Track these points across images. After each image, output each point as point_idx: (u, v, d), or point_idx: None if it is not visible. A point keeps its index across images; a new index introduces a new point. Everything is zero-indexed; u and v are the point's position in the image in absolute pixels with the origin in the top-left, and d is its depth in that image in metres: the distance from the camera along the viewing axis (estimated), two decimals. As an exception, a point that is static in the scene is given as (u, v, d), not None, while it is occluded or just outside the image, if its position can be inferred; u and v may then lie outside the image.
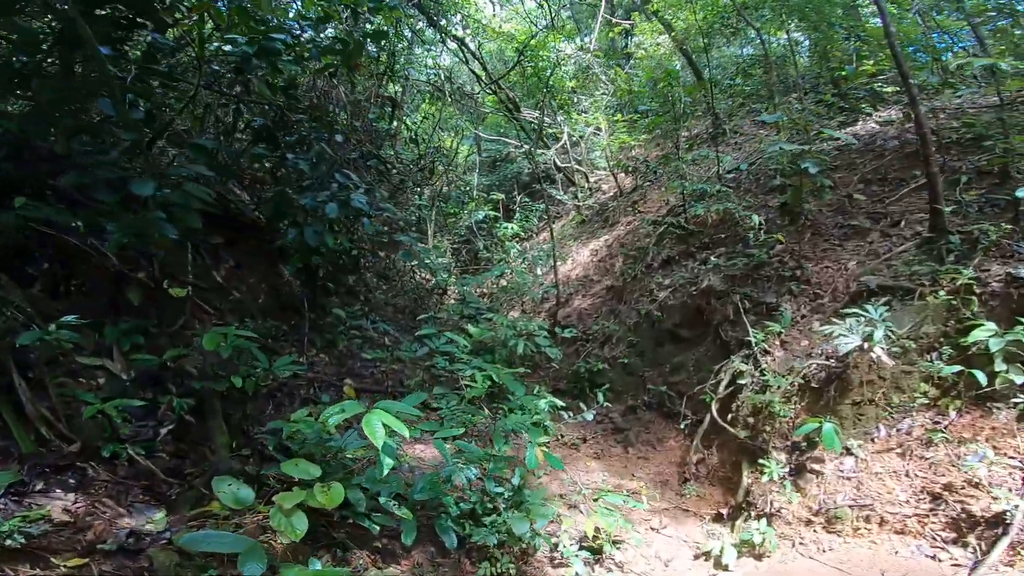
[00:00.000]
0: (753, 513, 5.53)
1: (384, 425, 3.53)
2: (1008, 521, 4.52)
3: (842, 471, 5.32)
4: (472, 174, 17.73)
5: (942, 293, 5.53)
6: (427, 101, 15.39)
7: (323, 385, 6.53)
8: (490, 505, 4.83)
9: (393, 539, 4.37)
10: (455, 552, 4.56)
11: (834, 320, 5.76)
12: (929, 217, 6.43)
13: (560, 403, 6.94)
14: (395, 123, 12.74)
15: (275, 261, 7.38)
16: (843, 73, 9.82)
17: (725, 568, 5.15)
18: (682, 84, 11.19)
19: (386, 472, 3.65)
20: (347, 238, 7.82)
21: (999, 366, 4.92)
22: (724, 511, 5.88)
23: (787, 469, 5.47)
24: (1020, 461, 4.79)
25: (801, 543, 5.25)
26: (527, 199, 16.46)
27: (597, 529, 5.07)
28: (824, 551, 5.12)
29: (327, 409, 3.65)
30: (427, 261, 11.22)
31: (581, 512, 5.77)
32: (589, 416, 7.08)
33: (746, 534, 5.19)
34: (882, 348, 5.29)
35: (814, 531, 5.27)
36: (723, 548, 5.19)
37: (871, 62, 9.37)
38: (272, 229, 7.11)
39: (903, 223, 6.79)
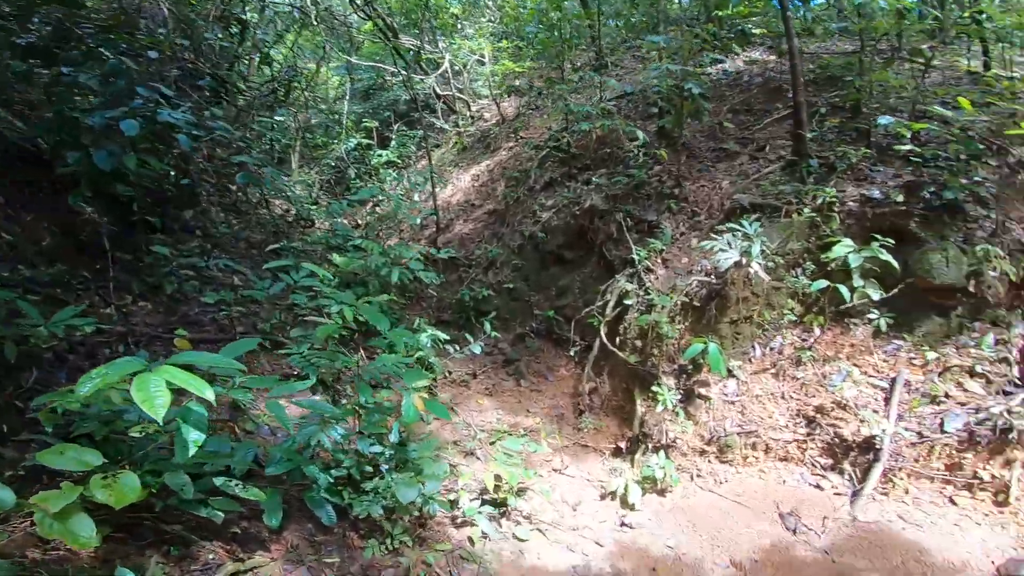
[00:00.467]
0: (651, 445, 5.44)
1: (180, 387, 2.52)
2: (878, 447, 4.72)
3: (726, 395, 5.32)
4: (343, 102, 15.89)
5: (806, 211, 5.59)
6: (294, 31, 13.35)
7: (143, 339, 5.25)
8: (369, 468, 4.17)
9: (257, 521, 3.62)
10: (337, 527, 3.92)
11: (712, 236, 5.63)
12: (792, 142, 6.54)
13: (444, 336, 6.32)
14: (246, 43, 10.82)
15: (64, 195, 5.73)
16: (720, 13, 9.82)
17: (632, 508, 5.03)
18: (568, 13, 10.65)
19: (191, 452, 2.65)
20: (167, 162, 6.33)
21: (857, 281, 5.05)
22: (622, 444, 5.76)
23: (677, 396, 5.39)
24: (880, 379, 5.03)
25: (699, 475, 5.25)
26: (404, 128, 15.13)
27: (498, 478, 4.62)
28: (721, 483, 5.15)
29: (86, 374, 2.53)
30: (284, 188, 9.78)
31: (479, 459, 5.34)
32: (477, 349, 6.56)
33: (647, 469, 5.08)
34: (759, 263, 5.25)
35: (709, 462, 5.29)
36: (627, 486, 5.05)
37: (745, 4, 9.43)
38: (56, 157, 5.50)
39: (768, 148, 6.89)
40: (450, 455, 5.32)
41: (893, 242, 4.97)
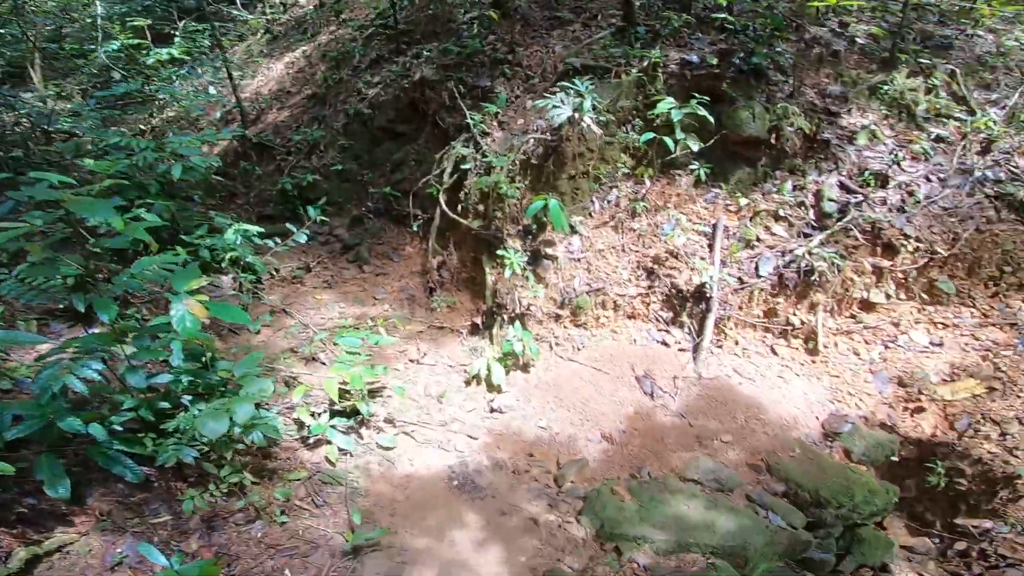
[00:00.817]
0: (506, 316, 5.18)
1: None
2: (708, 295, 4.93)
3: (572, 252, 5.18)
4: (95, 4, 12.55)
5: (634, 72, 5.55)
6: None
7: None
8: (167, 404, 3.32)
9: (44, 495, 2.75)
10: (157, 480, 3.19)
11: (546, 95, 5.33)
12: (622, 10, 6.39)
13: (256, 229, 5.31)
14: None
15: None
16: None
17: (498, 390, 4.76)
18: None
19: None
20: None
21: (679, 135, 5.13)
22: (478, 320, 5.44)
23: (525, 259, 5.13)
24: (704, 225, 5.23)
25: (557, 343, 5.11)
26: (194, 24, 12.52)
27: (344, 384, 4.00)
28: (579, 350, 5.07)
29: None
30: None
31: (324, 364, 4.67)
32: (302, 238, 5.63)
33: (507, 344, 4.81)
34: (591, 118, 5.07)
35: (564, 327, 5.17)
36: (490, 367, 4.75)
37: None
38: None
39: (600, 16, 6.73)
40: (288, 365, 4.60)
41: (709, 100, 5.10)
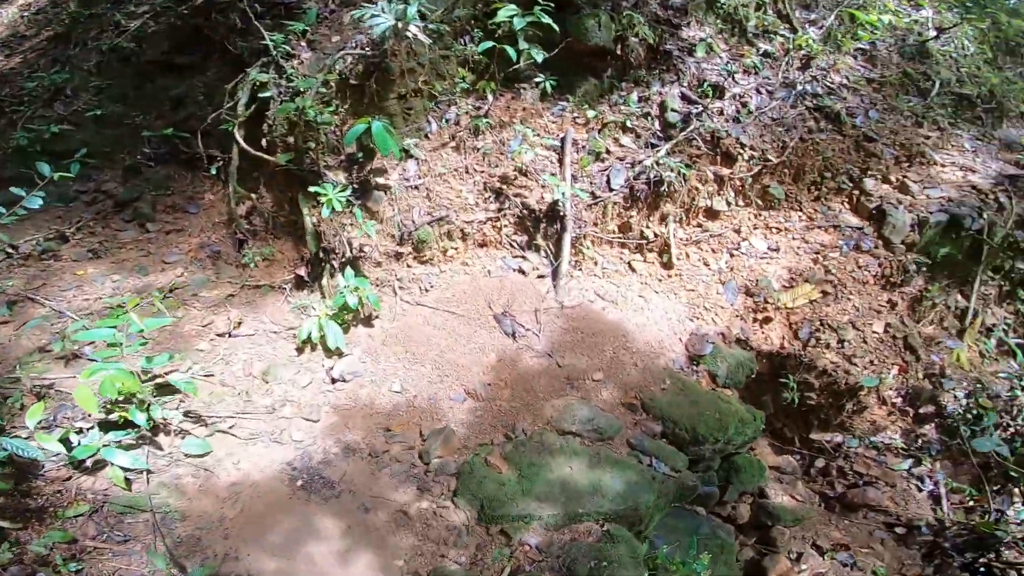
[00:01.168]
0: (336, 263, 4.24)
1: None
2: (562, 213, 4.42)
3: (408, 179, 4.36)
4: None
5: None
6: None
7: None
8: None
9: None
10: None
11: (364, 3, 4.42)
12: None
13: None
14: None
15: None
16: None
17: (339, 354, 3.85)
18: None
19: None
20: None
21: (522, 44, 4.56)
22: (303, 271, 4.43)
23: (350, 193, 4.17)
24: (552, 139, 4.72)
25: (402, 287, 4.29)
26: None
27: (112, 386, 2.91)
28: (427, 291, 4.29)
29: None
30: None
31: (93, 360, 3.42)
32: (35, 202, 3.99)
33: (339, 298, 3.90)
34: (417, 27, 4.28)
35: (408, 266, 4.36)
36: (323, 327, 3.81)
37: None
38: None
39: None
40: (41, 371, 3.40)
41: (553, 7, 4.59)
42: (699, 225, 4.89)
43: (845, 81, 5.54)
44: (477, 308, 4.18)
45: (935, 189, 5.00)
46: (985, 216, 4.79)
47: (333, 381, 3.75)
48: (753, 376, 4.35)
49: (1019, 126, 6.00)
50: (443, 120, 4.48)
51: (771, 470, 4.33)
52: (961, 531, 4.04)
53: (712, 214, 4.92)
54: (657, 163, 4.67)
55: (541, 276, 4.40)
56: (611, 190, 4.66)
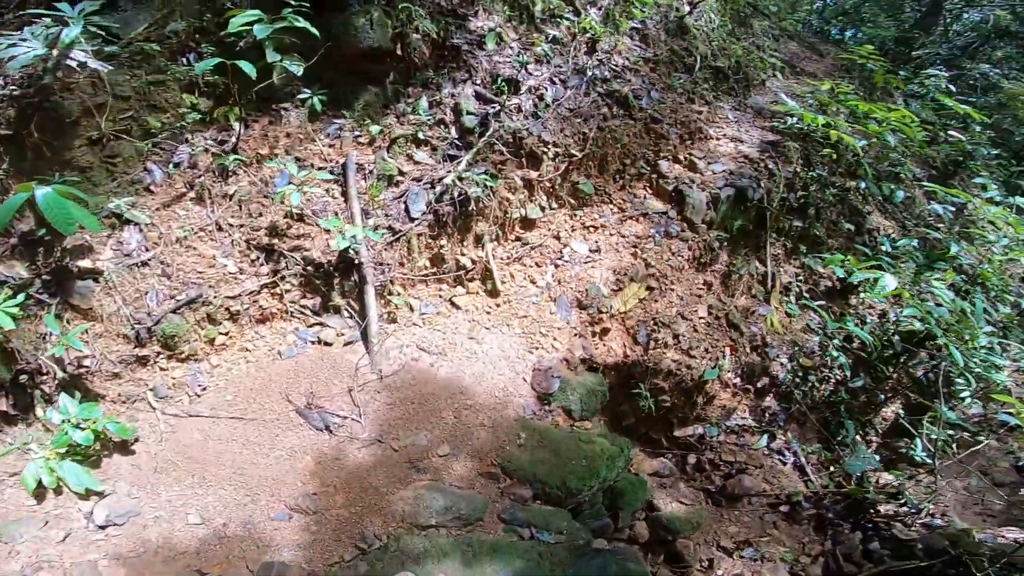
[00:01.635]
0: (45, 387, 3.05)
1: None
2: (356, 260, 3.57)
3: (129, 254, 3.15)
4: None
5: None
6: None
7: None
8: None
9: None
10: None
11: (5, 32, 3.05)
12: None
13: None
14: None
15: None
16: None
17: (99, 494, 2.87)
18: None
19: None
20: None
21: (272, 56, 3.54)
22: (2, 403, 3.05)
23: (39, 287, 2.88)
24: (330, 170, 3.78)
25: (160, 398, 3.18)
26: None
27: None
28: (199, 396, 3.27)
29: None
30: None
31: None
32: None
33: (61, 436, 2.84)
34: (86, 52, 3.03)
35: (162, 370, 3.27)
36: (54, 468, 2.77)
37: None
38: None
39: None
40: None
41: (310, 7, 3.59)
42: (518, 239, 4.41)
43: (627, 63, 5.41)
44: (271, 405, 3.21)
45: (717, 164, 5.11)
46: (763, 184, 5.02)
47: (102, 527, 2.74)
48: (607, 400, 4.03)
49: (762, 93, 6.47)
50: (170, 164, 3.29)
51: (651, 477, 4.11)
52: (836, 497, 4.17)
53: (528, 224, 4.47)
54: (460, 178, 4.04)
55: (349, 343, 3.52)
56: (412, 220, 3.93)
